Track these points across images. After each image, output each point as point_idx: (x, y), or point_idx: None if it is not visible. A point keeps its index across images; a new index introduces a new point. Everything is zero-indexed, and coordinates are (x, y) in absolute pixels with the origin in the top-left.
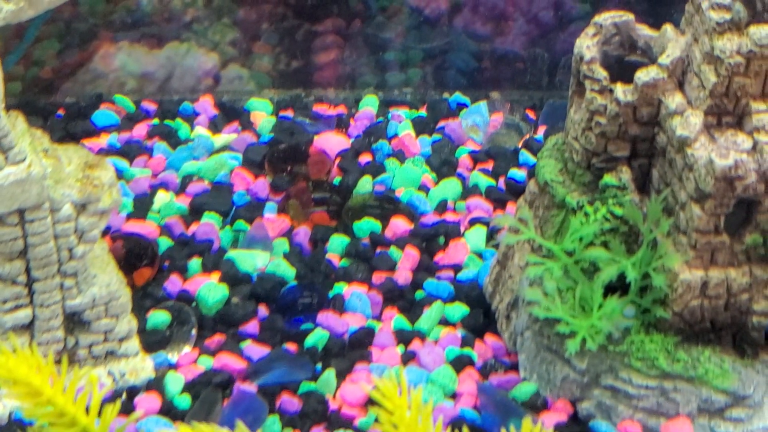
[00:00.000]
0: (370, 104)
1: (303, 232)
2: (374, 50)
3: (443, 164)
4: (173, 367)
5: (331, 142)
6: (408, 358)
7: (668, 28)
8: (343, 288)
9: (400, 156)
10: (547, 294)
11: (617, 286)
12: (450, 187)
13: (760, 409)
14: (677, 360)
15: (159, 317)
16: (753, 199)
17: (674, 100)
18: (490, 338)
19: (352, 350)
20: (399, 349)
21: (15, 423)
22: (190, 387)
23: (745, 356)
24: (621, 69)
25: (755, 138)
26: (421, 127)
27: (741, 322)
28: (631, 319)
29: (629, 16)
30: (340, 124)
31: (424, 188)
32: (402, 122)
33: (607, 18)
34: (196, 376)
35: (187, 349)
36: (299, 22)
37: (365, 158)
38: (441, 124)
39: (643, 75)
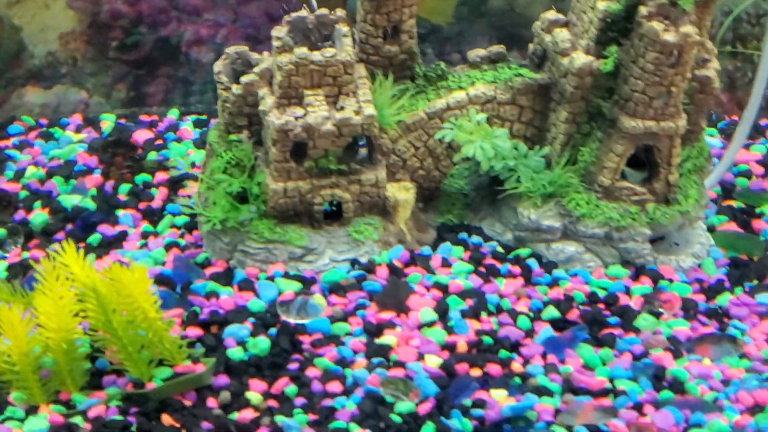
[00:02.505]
0: (173, 114)
1: (109, 185)
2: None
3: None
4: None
5: (143, 135)
6: (143, 246)
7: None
8: (120, 212)
9: (180, 141)
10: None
11: (244, 195)
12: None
13: (322, 255)
14: (275, 232)
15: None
16: (304, 141)
17: (264, 91)
18: (196, 233)
19: (110, 245)
20: (139, 243)
21: None
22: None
23: (314, 227)
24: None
25: (306, 109)
26: (199, 124)
27: (309, 210)
28: (253, 213)
29: (244, 48)
30: (151, 125)
31: (187, 157)
32: (185, 122)
33: (232, 49)
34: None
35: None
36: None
37: (159, 143)
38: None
39: (245, 78)
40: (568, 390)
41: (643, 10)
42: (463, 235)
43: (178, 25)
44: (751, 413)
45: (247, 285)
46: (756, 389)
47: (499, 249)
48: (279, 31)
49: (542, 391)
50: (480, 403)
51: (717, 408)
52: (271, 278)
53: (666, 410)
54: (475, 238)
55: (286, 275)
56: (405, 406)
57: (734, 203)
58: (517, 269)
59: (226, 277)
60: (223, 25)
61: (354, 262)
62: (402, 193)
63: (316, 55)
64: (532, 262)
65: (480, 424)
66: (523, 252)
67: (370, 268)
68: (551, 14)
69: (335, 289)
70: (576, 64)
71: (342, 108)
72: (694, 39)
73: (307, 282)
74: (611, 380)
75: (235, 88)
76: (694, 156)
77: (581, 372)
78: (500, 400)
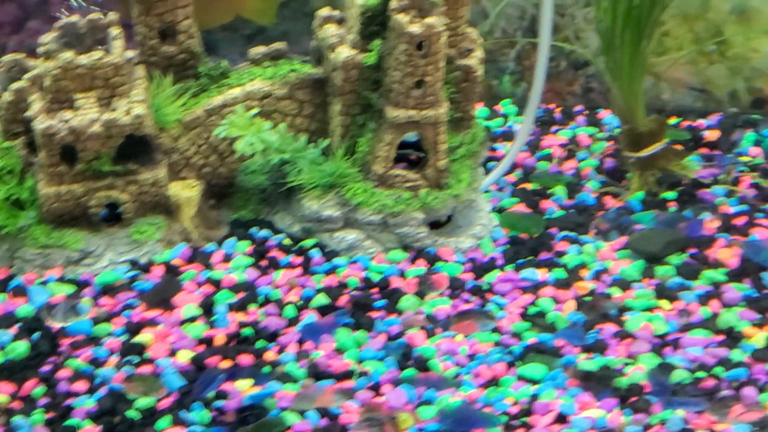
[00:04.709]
0: None
1: None
2: None
3: None
4: None
5: None
6: None
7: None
8: None
9: None
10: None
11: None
12: None
13: (101, 258)
14: (51, 237)
15: None
16: (71, 145)
17: (34, 97)
18: None
19: None
20: None
21: None
22: None
23: (94, 230)
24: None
25: (78, 112)
26: None
27: (87, 213)
28: (32, 219)
29: (21, 56)
30: None
31: None
32: None
33: (8, 57)
34: None
35: None
36: None
37: None
38: None
39: (15, 85)
40: (313, 375)
41: (393, 3)
42: (255, 229)
43: None
44: (487, 387)
45: (20, 291)
46: (496, 363)
47: (286, 241)
48: (46, 38)
49: (286, 378)
50: (223, 395)
51: (455, 384)
52: (45, 283)
53: (400, 389)
54: (265, 232)
55: (62, 279)
56: (145, 401)
57: (530, 186)
58: (298, 260)
59: (2, 285)
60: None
61: (133, 263)
62: (186, 191)
63: (83, 59)
64: (315, 252)
65: (220, 414)
66: (308, 242)
67: (147, 267)
68: (325, 11)
69: (107, 290)
70: (340, 59)
71: (114, 109)
72: (440, 29)
73: (81, 285)
74: (360, 362)
75: (6, 95)
76: (467, 142)
77: (331, 356)
78: (244, 389)
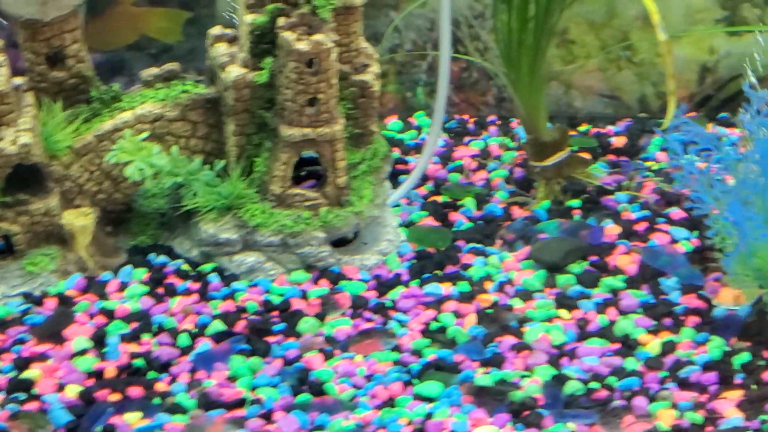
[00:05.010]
0: None
1: None
2: None
3: None
4: None
5: None
6: None
7: None
8: None
9: None
10: None
11: None
12: None
13: None
14: None
15: None
16: None
17: None
18: None
19: None
20: None
21: None
22: None
23: None
24: None
25: None
26: None
27: None
28: None
29: None
30: None
31: None
32: None
33: None
34: None
35: None
36: None
37: None
38: None
39: None
40: (203, 405)
41: (280, 21)
42: (153, 255)
43: None
44: (382, 408)
45: None
46: (393, 382)
47: (185, 267)
48: None
49: (175, 409)
50: (111, 429)
51: (350, 406)
52: None
53: (292, 415)
54: (163, 258)
55: None
56: None
57: (441, 198)
58: (196, 286)
59: None
60: None
61: (27, 296)
62: (80, 220)
63: None
64: (214, 277)
65: None
66: (207, 267)
67: (40, 300)
68: (217, 30)
69: None
70: (230, 78)
71: (0, 139)
72: (329, 46)
73: None
74: (254, 389)
75: None
76: (368, 158)
77: (223, 385)
78: (133, 422)
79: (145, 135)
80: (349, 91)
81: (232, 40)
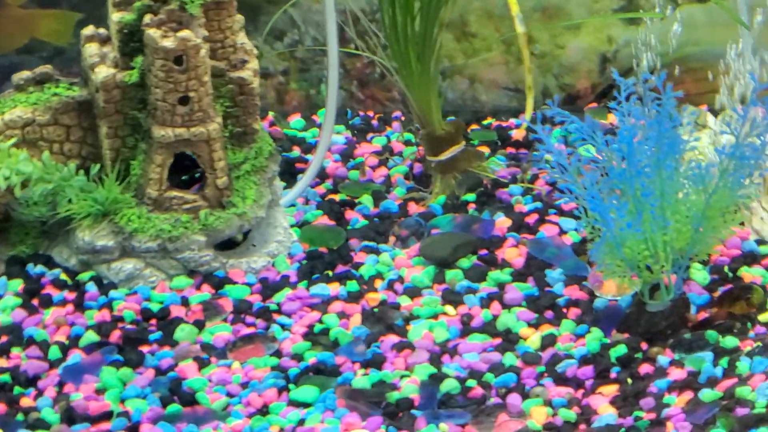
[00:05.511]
0: None
1: None
2: None
3: None
4: None
5: None
6: None
7: None
8: None
9: None
10: None
11: None
12: None
13: None
14: None
15: None
16: None
17: None
18: None
19: None
20: None
21: None
22: None
23: None
24: None
25: None
26: None
27: None
28: None
29: None
30: None
31: None
32: None
33: None
34: None
35: None
36: None
37: None
38: None
39: None
40: (67, 419)
41: (146, 18)
42: (31, 265)
43: None
44: (257, 415)
45: None
46: (268, 389)
47: (63, 276)
48: None
49: (38, 425)
50: None
51: (223, 416)
52: None
53: (157, 427)
54: (40, 268)
55: None
56: None
57: (338, 196)
58: (72, 295)
59: None
60: None
61: None
62: None
63: None
64: (91, 286)
65: None
66: (84, 276)
67: None
68: (89, 30)
69: None
70: (99, 78)
71: None
72: (196, 42)
73: None
74: (122, 401)
75: None
76: (252, 157)
77: (90, 398)
78: None
79: (12, 141)
80: (226, 88)
81: (106, 40)
